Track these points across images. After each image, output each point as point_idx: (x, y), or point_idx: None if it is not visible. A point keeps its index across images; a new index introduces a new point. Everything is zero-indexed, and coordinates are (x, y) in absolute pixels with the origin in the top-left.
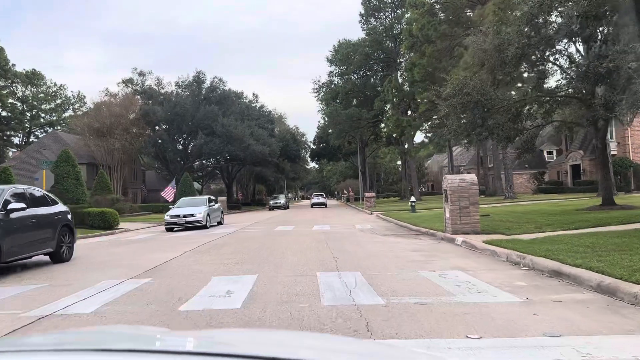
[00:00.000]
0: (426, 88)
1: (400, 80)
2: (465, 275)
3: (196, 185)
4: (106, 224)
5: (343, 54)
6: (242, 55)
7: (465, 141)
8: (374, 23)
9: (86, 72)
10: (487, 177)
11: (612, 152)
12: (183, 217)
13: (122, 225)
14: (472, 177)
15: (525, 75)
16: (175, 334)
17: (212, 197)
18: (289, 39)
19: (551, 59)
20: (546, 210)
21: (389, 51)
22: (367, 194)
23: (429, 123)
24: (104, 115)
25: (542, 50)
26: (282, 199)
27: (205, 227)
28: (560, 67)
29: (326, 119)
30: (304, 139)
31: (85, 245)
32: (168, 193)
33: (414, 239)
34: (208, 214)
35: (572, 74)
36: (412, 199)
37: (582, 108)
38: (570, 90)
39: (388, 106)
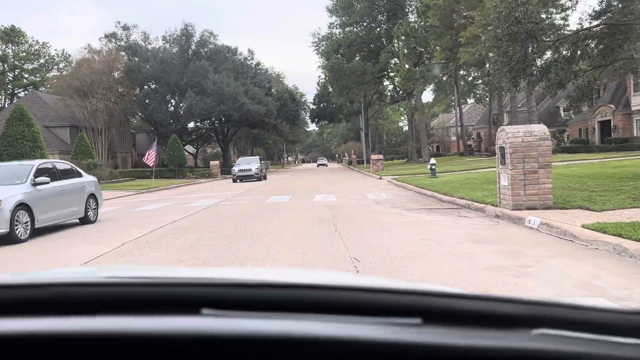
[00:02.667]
0: (442, 33)
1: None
2: None
3: (190, 148)
4: None
5: (345, 1)
6: (237, 18)
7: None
8: None
9: (83, 36)
10: None
11: None
12: None
13: None
14: (541, 128)
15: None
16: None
17: (52, 165)
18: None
19: None
20: (607, 174)
21: None
22: (373, 157)
23: (443, 75)
24: (84, 72)
25: None
26: (253, 165)
27: (15, 240)
28: None
29: (327, 75)
30: (303, 100)
31: None
32: (149, 158)
33: (457, 216)
34: (22, 204)
35: None
36: (432, 161)
37: None
38: None
39: (394, 60)
